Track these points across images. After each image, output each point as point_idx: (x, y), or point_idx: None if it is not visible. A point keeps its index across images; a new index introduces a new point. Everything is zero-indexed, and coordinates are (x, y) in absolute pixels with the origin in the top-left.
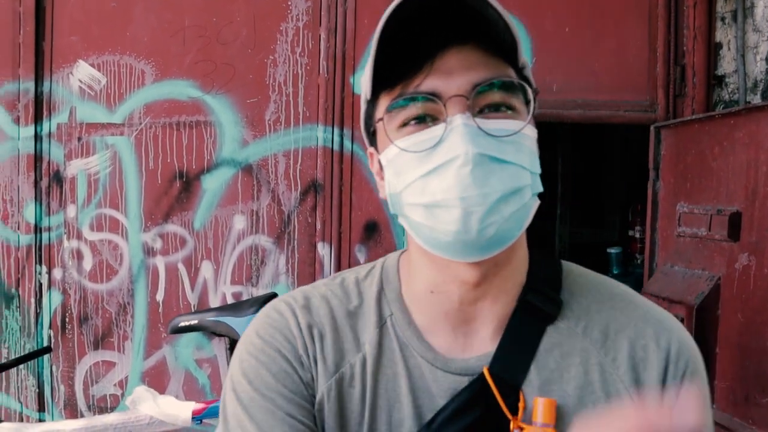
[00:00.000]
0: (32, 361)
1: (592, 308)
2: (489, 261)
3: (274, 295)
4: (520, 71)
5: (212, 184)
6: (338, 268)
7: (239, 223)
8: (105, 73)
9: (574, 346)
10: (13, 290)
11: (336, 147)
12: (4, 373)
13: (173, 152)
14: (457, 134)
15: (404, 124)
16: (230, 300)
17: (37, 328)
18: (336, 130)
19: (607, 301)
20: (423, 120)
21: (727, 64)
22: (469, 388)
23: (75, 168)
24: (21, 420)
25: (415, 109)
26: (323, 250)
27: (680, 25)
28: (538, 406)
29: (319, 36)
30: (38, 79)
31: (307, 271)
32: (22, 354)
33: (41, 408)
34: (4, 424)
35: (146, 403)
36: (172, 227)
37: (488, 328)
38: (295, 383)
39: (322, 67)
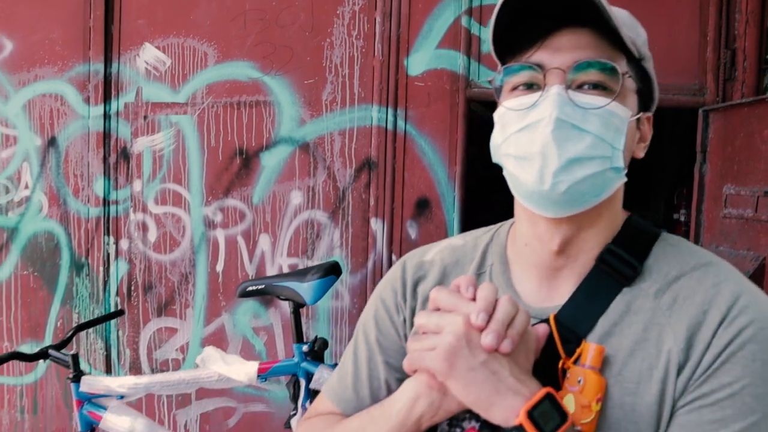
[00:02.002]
0: (101, 326)
1: (671, 275)
2: (571, 225)
3: (336, 264)
4: (637, 61)
5: (270, 161)
6: (390, 242)
7: (296, 198)
8: (170, 55)
9: (643, 306)
10: (84, 259)
11: (390, 126)
12: (75, 337)
13: (234, 130)
14: (548, 101)
15: (514, 88)
16: (286, 272)
17: (105, 295)
18: (390, 111)
19: (689, 271)
20: (530, 87)
21: None
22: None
23: (141, 145)
24: None
25: (522, 76)
26: (376, 225)
27: (732, 10)
28: (588, 350)
29: (375, 19)
30: (107, 61)
31: (360, 245)
32: (80, 324)
33: (108, 369)
34: (87, 377)
35: (215, 361)
36: (232, 202)
37: (569, 283)
38: (386, 325)
39: (377, 50)
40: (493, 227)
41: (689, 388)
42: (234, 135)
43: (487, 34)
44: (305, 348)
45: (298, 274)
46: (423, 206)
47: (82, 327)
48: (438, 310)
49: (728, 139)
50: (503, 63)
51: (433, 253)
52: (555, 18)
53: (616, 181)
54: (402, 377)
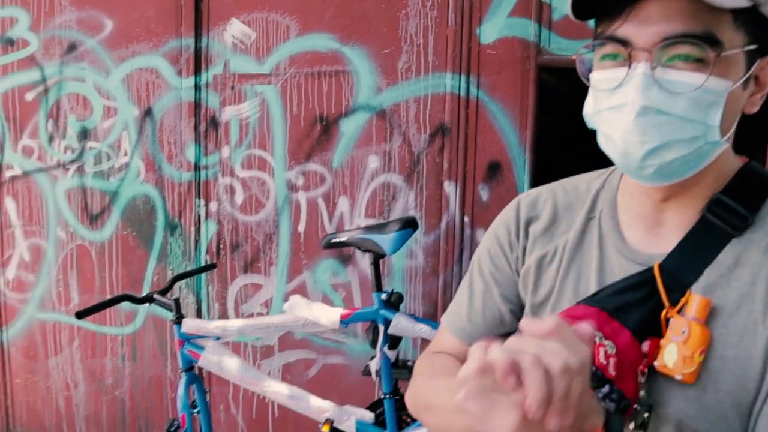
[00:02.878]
0: (193, 281)
1: None
2: (673, 185)
3: (413, 218)
4: (749, 10)
5: (349, 128)
6: (462, 204)
7: (373, 162)
8: (254, 28)
9: (752, 258)
10: (176, 220)
11: (462, 93)
12: (169, 291)
13: (314, 99)
14: (633, 83)
15: (603, 58)
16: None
17: (196, 253)
18: (463, 78)
19: None
20: (618, 57)
21: None
22: (640, 274)
23: (228, 114)
24: None
25: (610, 48)
26: (449, 188)
27: None
28: (693, 301)
29: None
30: (197, 36)
31: (434, 207)
32: (178, 274)
33: None
34: (188, 319)
35: (301, 308)
36: (313, 166)
37: (676, 232)
38: (500, 260)
39: (450, 20)
40: (606, 171)
41: None
42: (315, 103)
43: (558, 1)
44: (384, 296)
45: (378, 227)
46: (494, 169)
47: (180, 277)
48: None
49: None
50: (585, 18)
51: (547, 194)
52: None
53: (715, 152)
54: (513, 308)
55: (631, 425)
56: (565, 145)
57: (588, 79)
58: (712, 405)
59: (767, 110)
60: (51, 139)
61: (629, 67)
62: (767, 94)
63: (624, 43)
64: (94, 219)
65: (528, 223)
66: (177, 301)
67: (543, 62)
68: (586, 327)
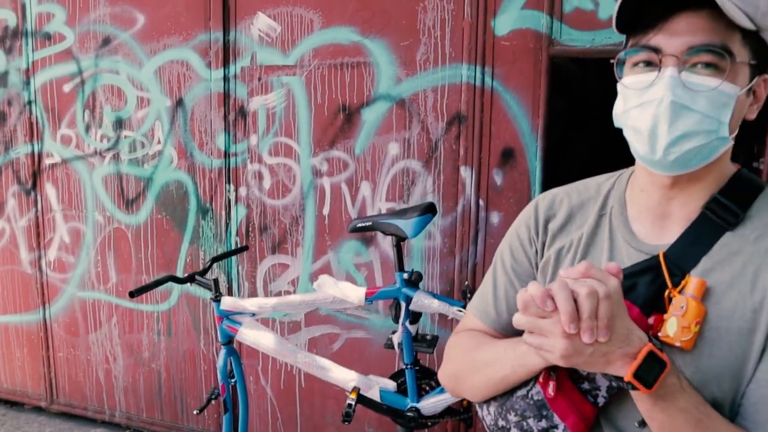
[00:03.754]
0: (224, 262)
1: None
2: (682, 178)
3: (432, 204)
4: (754, 33)
5: (370, 116)
6: (477, 189)
7: (393, 149)
8: (280, 22)
9: (742, 249)
10: (208, 204)
11: (478, 83)
12: (208, 272)
13: (337, 89)
14: (662, 83)
15: (635, 65)
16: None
17: (226, 236)
18: (478, 68)
19: None
20: (648, 64)
21: None
22: (647, 261)
23: (256, 103)
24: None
25: (642, 56)
26: (465, 173)
27: None
28: (691, 282)
29: None
30: (225, 30)
31: (451, 191)
32: (215, 255)
33: None
34: (226, 297)
35: (330, 286)
36: (337, 153)
37: (678, 225)
38: (521, 255)
39: (466, 13)
40: (615, 174)
41: None
42: (338, 93)
43: None
44: (405, 276)
45: (400, 213)
46: (508, 156)
47: (217, 258)
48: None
49: None
50: (623, 32)
51: (562, 195)
52: (673, 3)
53: (722, 147)
54: None
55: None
56: (578, 125)
57: (621, 82)
58: (706, 368)
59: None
60: (88, 128)
61: (659, 70)
62: (761, 106)
63: (656, 50)
64: (129, 204)
65: (547, 222)
66: (216, 281)
67: (555, 53)
68: (612, 265)
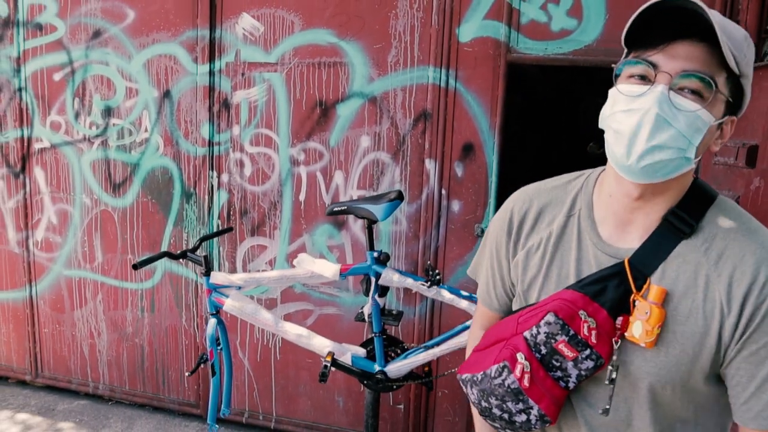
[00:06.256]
0: (206, 243)
1: (719, 235)
2: (648, 186)
3: (400, 191)
4: (736, 77)
5: (345, 112)
6: (441, 179)
7: (365, 142)
8: (263, 22)
9: (694, 258)
10: (192, 190)
11: (443, 84)
12: (198, 249)
13: (315, 86)
14: (652, 95)
15: (631, 76)
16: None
17: (209, 219)
18: (443, 71)
19: (734, 233)
20: (642, 78)
21: None
22: (614, 266)
23: (239, 97)
24: (195, 286)
25: (639, 69)
26: (429, 165)
27: None
28: (653, 289)
29: None
30: (212, 28)
31: (417, 181)
32: (204, 235)
33: None
34: (215, 272)
35: (309, 263)
36: (313, 144)
37: (639, 231)
38: (501, 246)
39: (433, 20)
40: (583, 174)
41: (735, 335)
42: (315, 90)
43: (526, 7)
44: (375, 255)
45: (371, 199)
46: (468, 150)
47: (205, 238)
48: None
49: None
50: (627, 49)
51: (532, 193)
52: (680, 29)
53: (685, 167)
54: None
55: (606, 381)
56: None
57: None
58: (664, 363)
59: None
60: (77, 115)
61: (652, 84)
62: (725, 143)
63: (653, 65)
64: (117, 187)
65: (521, 224)
66: (206, 257)
67: (512, 59)
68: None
